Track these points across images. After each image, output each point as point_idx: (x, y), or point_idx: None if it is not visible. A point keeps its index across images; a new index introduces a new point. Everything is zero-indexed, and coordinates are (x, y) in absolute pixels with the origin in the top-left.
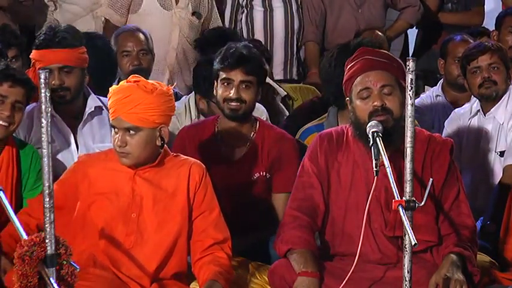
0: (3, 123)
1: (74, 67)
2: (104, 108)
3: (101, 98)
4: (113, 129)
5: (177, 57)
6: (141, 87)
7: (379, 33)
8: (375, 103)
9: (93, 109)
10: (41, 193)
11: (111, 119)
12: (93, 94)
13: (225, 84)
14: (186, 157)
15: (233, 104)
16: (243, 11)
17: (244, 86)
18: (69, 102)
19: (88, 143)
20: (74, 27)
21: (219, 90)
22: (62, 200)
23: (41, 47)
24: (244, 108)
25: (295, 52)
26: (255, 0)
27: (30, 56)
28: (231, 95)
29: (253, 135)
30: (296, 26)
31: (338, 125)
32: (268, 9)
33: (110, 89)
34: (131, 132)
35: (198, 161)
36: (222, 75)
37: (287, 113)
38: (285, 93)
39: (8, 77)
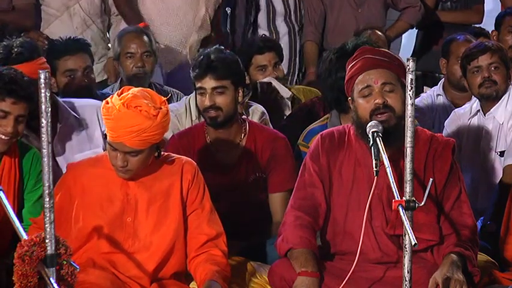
0: (5, 138)
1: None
2: (76, 116)
3: (66, 102)
4: (109, 147)
5: (198, 37)
6: (144, 114)
7: (379, 32)
8: (377, 100)
9: (65, 121)
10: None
11: (110, 139)
12: (61, 102)
13: (200, 93)
14: (177, 156)
15: (210, 112)
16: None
17: (217, 92)
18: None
19: (67, 156)
20: (28, 40)
21: (198, 101)
22: (57, 214)
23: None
24: (222, 115)
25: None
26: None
27: None
28: (205, 103)
29: (244, 137)
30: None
31: (341, 125)
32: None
33: (105, 107)
34: (132, 154)
35: (190, 159)
36: (197, 84)
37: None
38: (290, 93)
39: (11, 93)
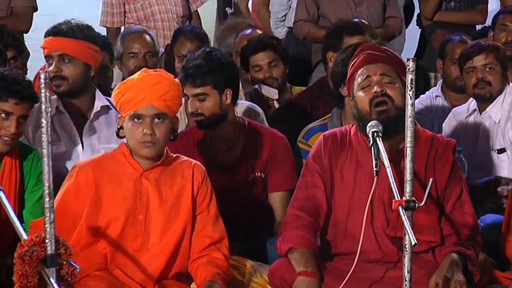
0: (8, 139)
1: (75, 58)
2: (111, 107)
3: (108, 97)
4: (132, 122)
5: None
6: (165, 76)
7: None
8: (375, 88)
9: (99, 108)
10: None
11: (134, 109)
12: (99, 93)
13: (185, 98)
14: (186, 158)
15: (195, 116)
16: None
17: (198, 99)
18: (68, 95)
19: (93, 144)
20: (90, 26)
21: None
22: (62, 210)
23: (48, 35)
24: (206, 119)
25: None
26: None
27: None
28: (188, 109)
29: (243, 137)
30: None
31: (342, 125)
32: None
33: (121, 83)
34: (158, 120)
35: (199, 162)
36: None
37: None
38: (277, 95)
39: (15, 94)
